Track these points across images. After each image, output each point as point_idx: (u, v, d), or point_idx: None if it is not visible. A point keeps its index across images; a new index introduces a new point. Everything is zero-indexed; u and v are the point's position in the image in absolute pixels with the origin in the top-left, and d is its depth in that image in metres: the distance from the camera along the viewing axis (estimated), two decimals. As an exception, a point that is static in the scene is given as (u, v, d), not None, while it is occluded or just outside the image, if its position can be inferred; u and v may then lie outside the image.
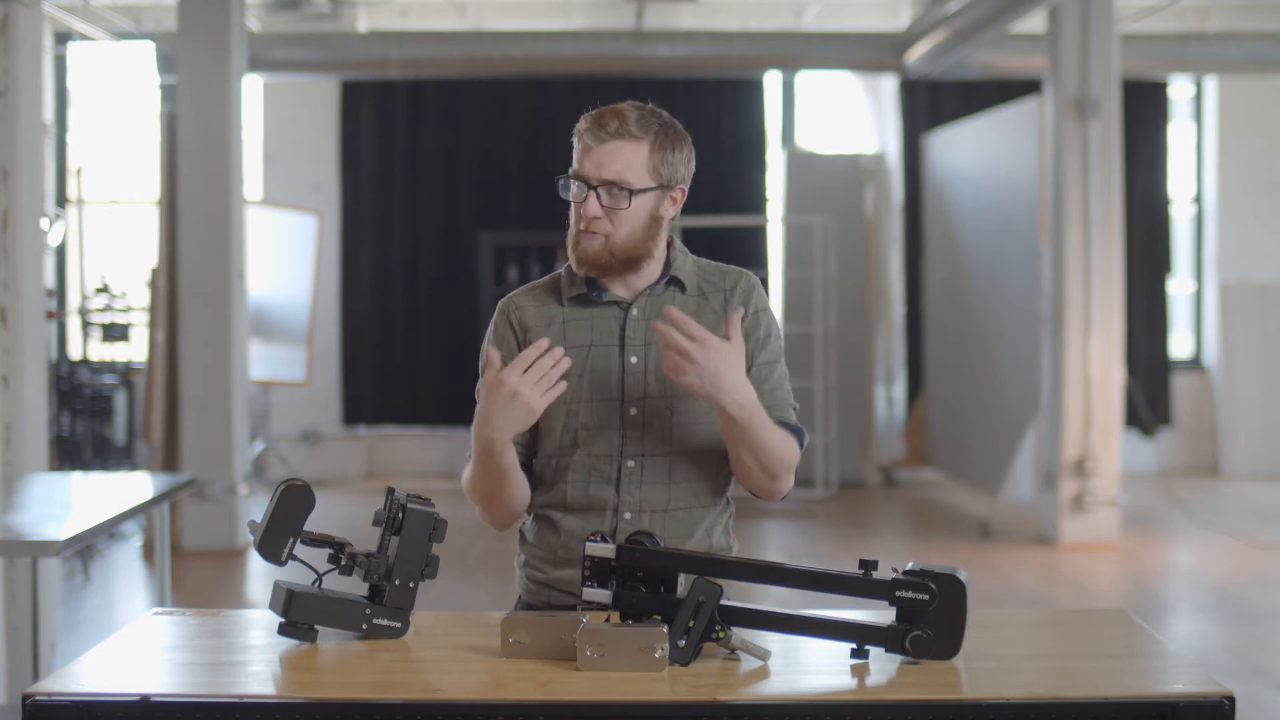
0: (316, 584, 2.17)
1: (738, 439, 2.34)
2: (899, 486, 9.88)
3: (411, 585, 2.16)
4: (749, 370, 2.43)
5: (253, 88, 9.72)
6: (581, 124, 2.41)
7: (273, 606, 2.14)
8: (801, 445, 2.46)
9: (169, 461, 7.73)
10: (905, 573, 2.02)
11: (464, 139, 10.06)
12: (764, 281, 2.49)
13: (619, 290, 2.45)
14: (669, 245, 2.48)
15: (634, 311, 2.44)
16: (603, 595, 2.06)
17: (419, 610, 2.19)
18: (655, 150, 2.39)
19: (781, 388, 2.48)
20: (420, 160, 10.09)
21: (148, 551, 7.50)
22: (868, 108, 10.53)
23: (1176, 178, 10.58)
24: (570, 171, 2.41)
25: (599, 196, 2.37)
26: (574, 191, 2.40)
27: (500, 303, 2.53)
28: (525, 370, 2.26)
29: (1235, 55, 9.32)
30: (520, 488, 2.42)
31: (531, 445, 2.47)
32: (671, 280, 2.47)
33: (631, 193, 2.37)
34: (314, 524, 2.18)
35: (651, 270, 2.46)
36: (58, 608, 5.32)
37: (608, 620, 2.03)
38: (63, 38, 9.95)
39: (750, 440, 2.33)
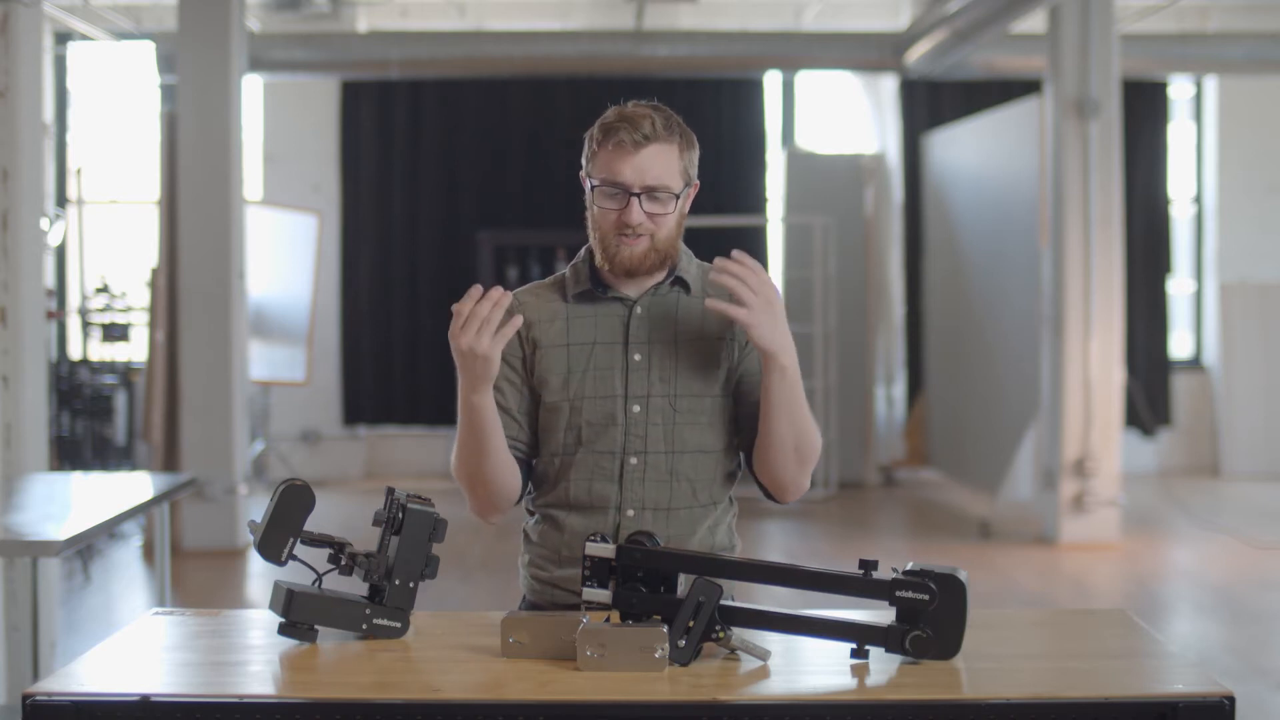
0: (316, 584, 2.17)
1: (783, 403, 2.33)
2: (899, 486, 9.88)
3: (411, 585, 2.16)
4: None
5: (253, 88, 9.72)
6: (610, 128, 2.36)
7: (273, 606, 2.14)
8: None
9: (169, 461, 7.73)
10: (905, 573, 2.02)
11: (464, 139, 10.06)
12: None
13: (626, 289, 2.45)
14: None
15: (638, 309, 2.45)
16: (603, 595, 2.06)
17: (419, 610, 2.19)
18: (683, 151, 2.40)
19: None
20: (420, 160, 10.09)
21: (148, 551, 7.50)
22: (868, 108, 10.52)
23: (1176, 178, 10.58)
24: (601, 178, 2.37)
25: (640, 202, 2.35)
26: (614, 198, 2.37)
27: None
28: (463, 324, 2.24)
29: (1235, 55, 9.32)
30: (504, 465, 2.39)
31: (534, 444, 2.47)
32: (676, 280, 2.47)
33: (676, 196, 2.38)
34: (314, 524, 2.17)
35: (659, 270, 2.46)
36: (58, 608, 5.32)
37: (608, 620, 2.03)
38: (63, 38, 9.96)
39: (793, 405, 2.34)
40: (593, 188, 2.39)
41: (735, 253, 2.30)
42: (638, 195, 2.35)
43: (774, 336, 2.29)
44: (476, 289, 2.26)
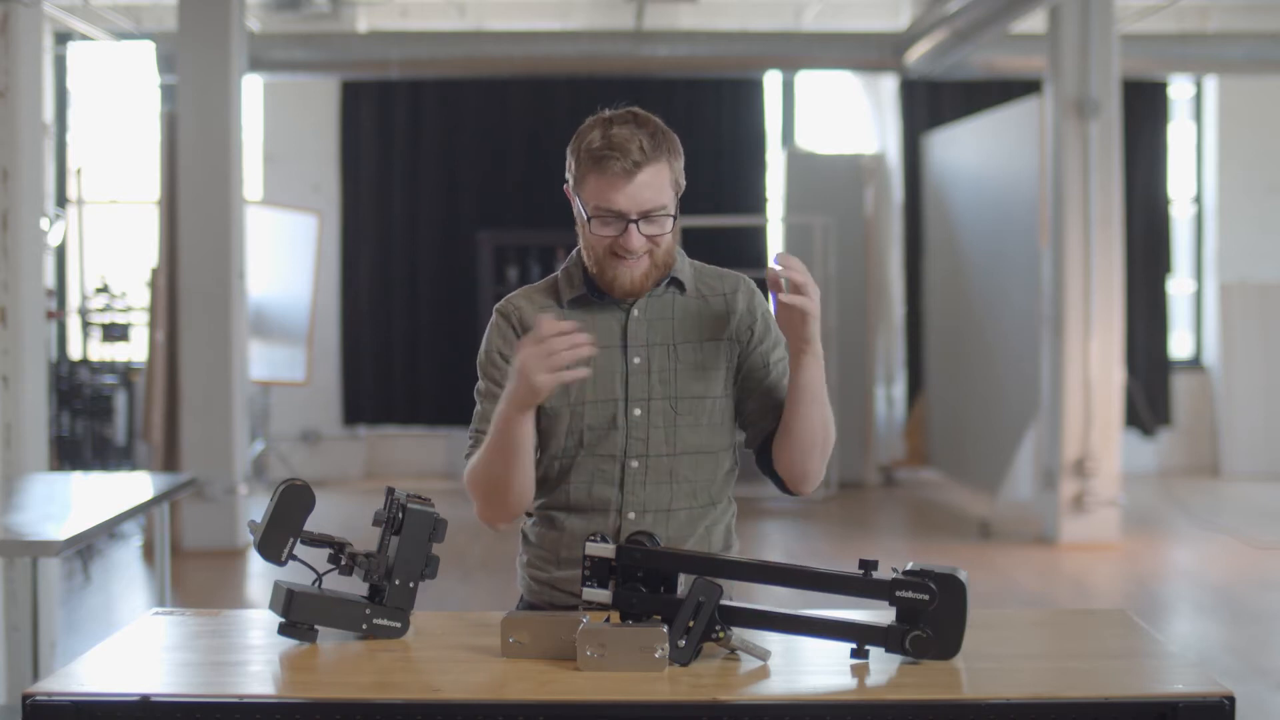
0: (316, 584, 2.17)
1: (819, 391, 2.34)
2: (899, 486, 9.88)
3: (411, 585, 2.16)
4: (767, 372, 2.44)
5: (253, 88, 9.72)
6: (598, 157, 2.32)
7: (273, 606, 2.14)
8: None
9: (169, 461, 7.72)
10: (905, 573, 2.02)
11: (464, 139, 10.06)
12: (763, 282, 2.49)
13: (620, 293, 2.43)
14: None
15: (635, 312, 2.43)
16: (603, 595, 2.06)
17: (419, 610, 2.19)
18: (672, 163, 2.37)
19: None
20: (420, 160, 10.09)
21: (148, 551, 7.50)
22: (868, 108, 10.52)
23: (1176, 178, 10.58)
24: (594, 205, 2.34)
25: (638, 227, 2.34)
26: (610, 225, 2.34)
27: (497, 305, 2.49)
28: (536, 342, 2.23)
29: (1235, 55, 9.32)
30: (527, 479, 2.37)
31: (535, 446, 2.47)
32: (671, 281, 2.46)
33: (673, 216, 2.37)
34: (314, 524, 2.17)
35: None
36: (58, 608, 5.32)
37: (608, 620, 2.03)
38: (63, 38, 9.96)
39: (825, 393, 2.36)
40: (588, 218, 2.36)
41: (782, 254, 2.28)
42: (635, 221, 2.33)
43: (816, 326, 2.30)
44: (568, 325, 2.24)
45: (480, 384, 2.47)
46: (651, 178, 2.33)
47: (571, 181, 2.40)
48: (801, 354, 2.32)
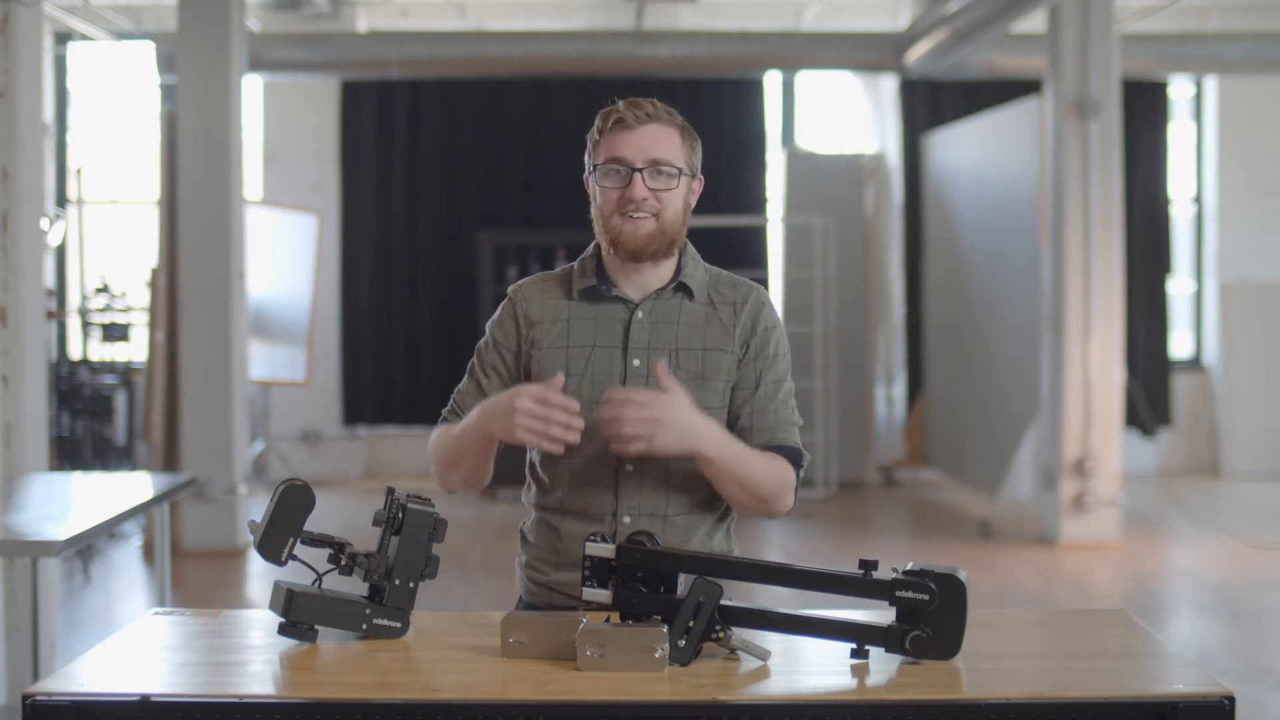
0: (316, 584, 2.17)
1: (721, 476, 2.33)
2: (899, 486, 9.88)
3: (411, 585, 2.16)
4: (755, 389, 2.42)
5: (253, 88, 9.72)
6: (609, 113, 2.39)
7: (273, 606, 2.14)
8: (799, 466, 2.43)
9: (169, 461, 7.72)
10: (905, 573, 2.02)
11: (464, 139, 10.06)
12: (764, 281, 2.49)
13: (629, 289, 2.44)
14: (682, 250, 2.47)
15: (639, 314, 2.43)
16: (603, 595, 2.06)
17: (419, 610, 2.19)
18: (684, 138, 2.41)
19: (786, 406, 2.45)
20: (420, 160, 10.09)
21: (148, 551, 7.50)
22: (868, 108, 10.52)
23: (1176, 178, 10.58)
24: (603, 158, 2.38)
25: (644, 178, 2.36)
26: (616, 176, 2.37)
27: (510, 289, 2.52)
28: (538, 400, 2.22)
29: (1235, 55, 9.32)
30: (484, 472, 2.42)
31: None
32: (680, 286, 2.45)
33: (680, 171, 2.38)
34: (314, 524, 2.17)
35: (665, 270, 2.45)
36: (58, 608, 5.31)
37: (608, 620, 2.03)
38: (63, 38, 9.96)
39: (734, 473, 2.33)
40: (594, 168, 2.39)
41: (606, 394, 2.26)
42: (640, 170, 2.35)
43: (685, 441, 2.26)
44: (571, 405, 2.22)
45: (473, 359, 2.50)
46: (660, 133, 2.37)
47: (587, 162, 2.42)
48: (693, 457, 2.31)
